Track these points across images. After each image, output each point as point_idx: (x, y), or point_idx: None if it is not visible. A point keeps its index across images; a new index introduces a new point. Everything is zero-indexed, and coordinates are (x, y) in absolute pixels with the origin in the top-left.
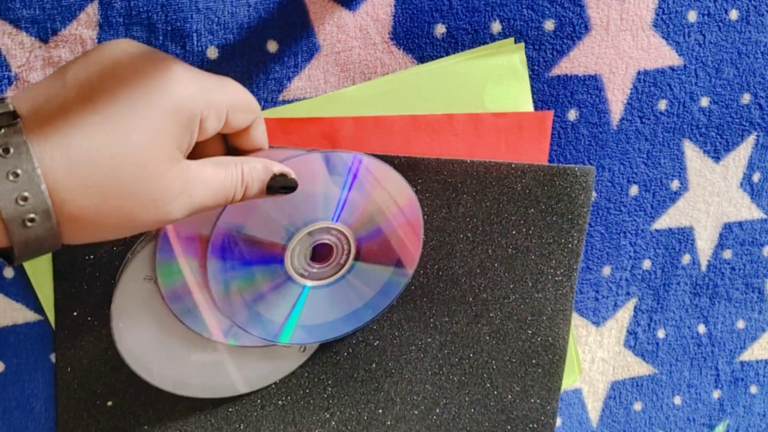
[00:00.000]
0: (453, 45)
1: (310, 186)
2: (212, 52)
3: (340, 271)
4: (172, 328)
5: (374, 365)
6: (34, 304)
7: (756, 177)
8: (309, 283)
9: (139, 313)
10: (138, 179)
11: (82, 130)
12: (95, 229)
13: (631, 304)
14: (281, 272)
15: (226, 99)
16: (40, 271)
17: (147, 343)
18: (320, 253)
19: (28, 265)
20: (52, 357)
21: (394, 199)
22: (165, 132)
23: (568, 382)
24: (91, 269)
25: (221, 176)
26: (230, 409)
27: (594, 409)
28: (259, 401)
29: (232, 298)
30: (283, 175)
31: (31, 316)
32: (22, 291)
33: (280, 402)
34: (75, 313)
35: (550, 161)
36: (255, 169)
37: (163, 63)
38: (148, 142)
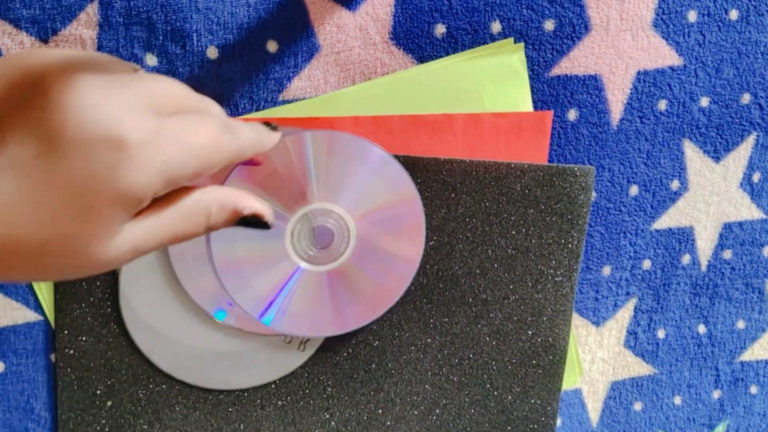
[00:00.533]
0: (453, 45)
1: (306, 165)
2: (212, 52)
3: (339, 258)
4: (179, 307)
5: (374, 365)
6: (34, 304)
7: (756, 177)
8: (303, 264)
9: (146, 284)
10: (75, 264)
11: (6, 211)
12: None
13: (631, 304)
14: (279, 247)
15: (188, 171)
16: None
17: (152, 318)
18: (322, 239)
19: None
20: (52, 357)
21: (396, 193)
22: (107, 219)
23: (568, 383)
24: None
25: (179, 225)
26: (230, 409)
27: (594, 409)
28: (258, 401)
29: (228, 264)
30: (255, 217)
31: (31, 316)
32: (22, 291)
33: (279, 402)
34: (75, 313)
35: (550, 161)
36: (223, 210)
37: (115, 128)
38: (83, 236)
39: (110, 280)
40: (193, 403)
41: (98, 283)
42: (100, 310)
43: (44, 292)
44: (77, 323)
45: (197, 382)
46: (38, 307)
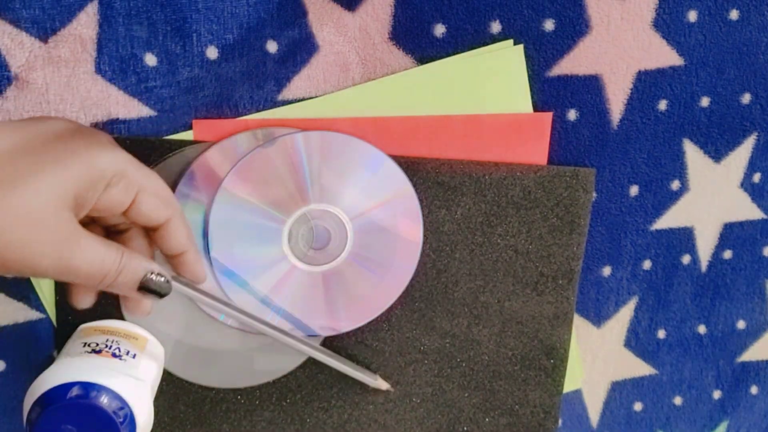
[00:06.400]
0: (453, 45)
1: (301, 166)
2: (212, 52)
3: (336, 259)
4: (179, 306)
5: (374, 366)
6: (36, 303)
7: (756, 177)
8: (300, 265)
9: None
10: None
11: None
12: None
13: (632, 304)
14: (277, 248)
15: (141, 177)
16: None
17: (152, 316)
18: (319, 239)
19: None
20: (54, 355)
21: (392, 192)
22: (64, 183)
23: (569, 387)
24: None
25: (102, 252)
26: (229, 408)
27: (594, 409)
28: (258, 401)
29: (226, 264)
30: (160, 276)
31: (32, 314)
32: (23, 289)
33: (279, 402)
34: (76, 311)
35: (550, 161)
36: (134, 260)
37: (95, 137)
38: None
39: None
40: (193, 401)
41: None
42: (100, 308)
43: (45, 291)
44: (78, 321)
45: (197, 380)
46: (39, 305)
